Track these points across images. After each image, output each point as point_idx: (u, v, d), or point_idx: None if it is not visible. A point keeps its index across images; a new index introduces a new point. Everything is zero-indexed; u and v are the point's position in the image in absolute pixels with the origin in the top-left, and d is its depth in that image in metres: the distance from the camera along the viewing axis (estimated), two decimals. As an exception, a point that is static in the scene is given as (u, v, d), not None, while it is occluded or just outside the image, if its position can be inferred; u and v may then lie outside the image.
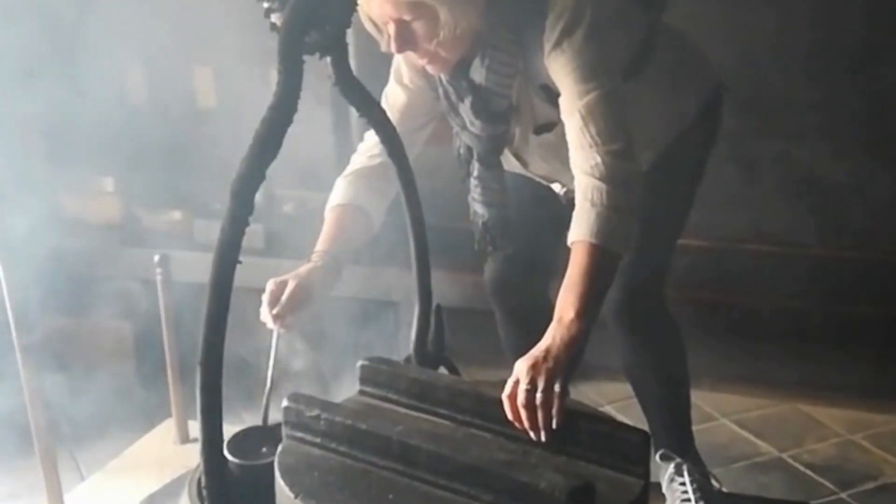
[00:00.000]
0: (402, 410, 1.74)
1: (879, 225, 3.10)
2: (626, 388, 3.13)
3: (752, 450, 2.82)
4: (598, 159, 1.80)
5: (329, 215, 2.13)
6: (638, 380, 2.42)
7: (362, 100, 1.71)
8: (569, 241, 1.79)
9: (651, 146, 2.15)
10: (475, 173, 2.14)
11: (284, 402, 1.64)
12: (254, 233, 3.25)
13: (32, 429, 2.37)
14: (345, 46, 1.60)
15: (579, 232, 1.77)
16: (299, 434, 1.62)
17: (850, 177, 3.08)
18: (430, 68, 1.99)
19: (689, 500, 2.37)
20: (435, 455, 1.51)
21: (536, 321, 1.81)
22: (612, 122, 1.84)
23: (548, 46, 1.89)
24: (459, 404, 1.70)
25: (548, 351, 1.66)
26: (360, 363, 1.81)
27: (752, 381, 3.05)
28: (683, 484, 2.37)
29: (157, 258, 2.69)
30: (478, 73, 1.97)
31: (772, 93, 3.08)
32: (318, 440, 1.60)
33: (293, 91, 1.44)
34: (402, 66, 2.14)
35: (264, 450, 1.79)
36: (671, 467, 2.39)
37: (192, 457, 1.57)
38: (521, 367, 1.64)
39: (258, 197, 3.51)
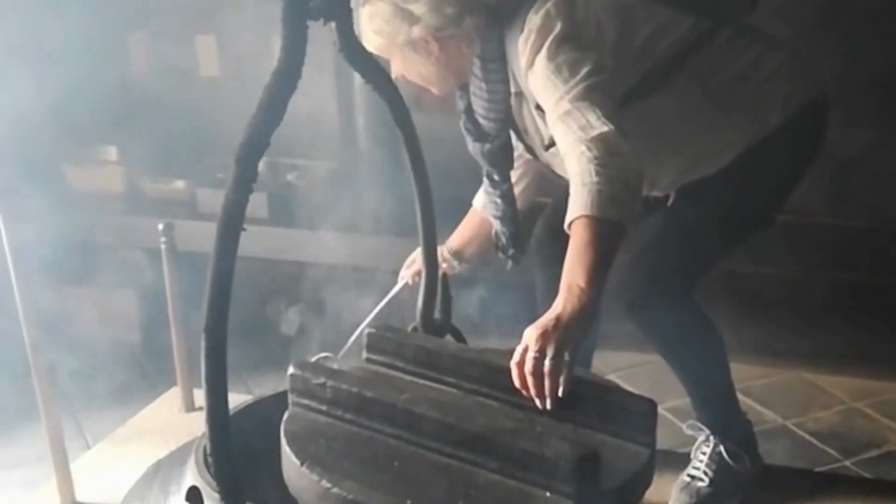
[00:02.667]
0: (409, 378, 1.73)
1: (886, 193, 3.09)
2: (630, 357, 3.15)
3: (758, 418, 2.82)
4: (583, 147, 1.79)
5: (469, 214, 2.46)
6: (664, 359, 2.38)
7: (367, 66, 1.70)
8: (565, 227, 1.76)
9: (715, 152, 2.16)
10: (483, 187, 2.27)
11: (290, 370, 1.63)
12: (257, 201, 3.28)
13: (38, 398, 2.38)
14: (349, 11, 1.59)
15: (574, 211, 1.75)
16: (305, 401, 1.61)
17: (858, 145, 3.07)
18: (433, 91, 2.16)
19: (694, 473, 2.37)
20: (441, 423, 1.50)
21: None
22: (592, 114, 1.82)
23: (525, 69, 1.95)
24: (466, 372, 1.69)
25: (558, 319, 1.65)
26: (366, 331, 1.80)
27: (758, 350, 3.05)
28: (704, 453, 2.37)
29: (161, 227, 2.69)
30: (466, 98, 2.13)
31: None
32: (324, 408, 1.59)
33: (297, 57, 1.42)
34: None
35: None
36: (700, 436, 2.40)
37: (197, 425, 1.57)
38: (531, 335, 1.63)
39: (261, 165, 3.52)
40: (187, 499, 1.48)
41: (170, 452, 1.93)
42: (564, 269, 1.72)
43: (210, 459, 1.52)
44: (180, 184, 3.48)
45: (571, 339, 1.62)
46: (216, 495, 1.47)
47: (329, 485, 1.44)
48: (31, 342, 2.33)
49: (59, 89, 3.05)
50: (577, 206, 1.75)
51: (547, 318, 1.64)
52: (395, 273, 3.20)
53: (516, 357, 1.62)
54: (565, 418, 1.61)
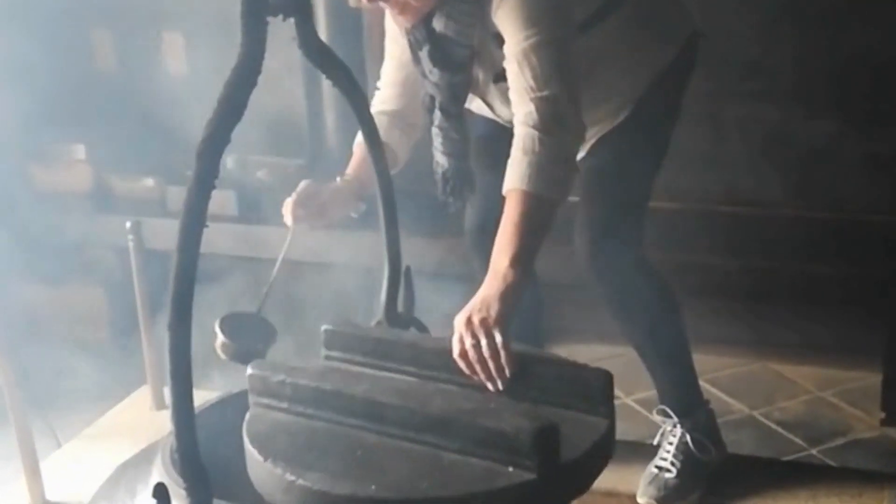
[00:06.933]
0: (368, 371, 1.74)
1: (848, 184, 3.12)
2: (599, 350, 3.17)
3: (724, 408, 2.85)
4: (532, 107, 1.80)
5: (356, 149, 2.20)
6: (625, 334, 2.40)
7: (328, 62, 1.71)
8: (503, 191, 1.79)
9: (623, 99, 2.18)
10: (436, 122, 2.16)
11: (249, 370, 1.64)
12: (227, 199, 3.28)
13: (6, 397, 2.37)
14: (309, 7, 1.60)
15: (512, 180, 1.77)
16: (265, 400, 1.62)
17: (820, 137, 3.10)
18: (402, 19, 2.01)
19: (662, 464, 2.39)
20: (400, 409, 1.52)
21: None
22: (549, 68, 1.83)
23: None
24: (424, 360, 1.71)
25: (482, 301, 1.68)
26: (323, 327, 1.80)
27: (724, 341, 3.08)
28: (671, 443, 2.39)
29: (128, 224, 2.69)
30: (439, 22, 2.00)
31: (742, 53, 3.09)
32: (284, 405, 1.60)
33: (256, 53, 1.43)
34: (388, 23, 2.17)
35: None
36: (667, 424, 2.41)
37: (167, 423, 1.58)
38: (459, 321, 1.67)
39: (231, 163, 3.49)
40: (154, 495, 1.48)
41: (137, 451, 1.92)
42: (494, 247, 1.77)
43: (176, 456, 1.53)
44: (149, 181, 3.48)
45: (498, 319, 1.65)
46: (183, 492, 1.48)
47: (293, 477, 1.45)
48: (-2, 341, 2.33)
49: (25, 88, 3.04)
50: (516, 176, 1.78)
51: (472, 302, 1.68)
52: (366, 269, 3.22)
53: (455, 349, 1.65)
54: (523, 396, 1.63)
